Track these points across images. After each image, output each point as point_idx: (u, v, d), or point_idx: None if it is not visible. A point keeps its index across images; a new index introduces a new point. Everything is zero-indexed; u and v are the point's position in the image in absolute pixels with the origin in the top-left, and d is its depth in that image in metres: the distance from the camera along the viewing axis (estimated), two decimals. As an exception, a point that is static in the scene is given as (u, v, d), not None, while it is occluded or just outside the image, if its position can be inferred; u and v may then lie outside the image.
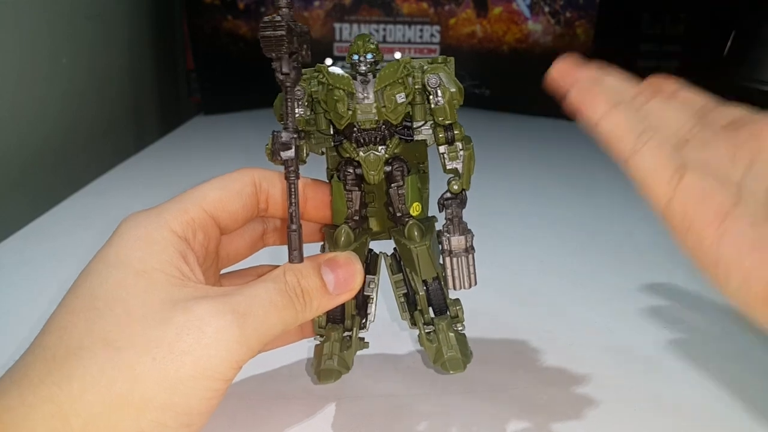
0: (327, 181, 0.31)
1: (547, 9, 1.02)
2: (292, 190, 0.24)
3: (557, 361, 0.35)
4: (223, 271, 0.31)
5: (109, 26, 0.87)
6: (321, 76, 0.27)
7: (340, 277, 0.26)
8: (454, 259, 0.28)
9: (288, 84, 0.24)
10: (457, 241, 0.28)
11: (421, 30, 1.03)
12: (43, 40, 0.70)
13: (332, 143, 0.29)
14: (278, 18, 0.22)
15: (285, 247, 0.26)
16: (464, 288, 0.28)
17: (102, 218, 0.58)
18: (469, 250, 0.28)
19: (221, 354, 0.22)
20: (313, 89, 0.28)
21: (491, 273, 0.35)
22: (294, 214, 0.24)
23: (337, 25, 1.02)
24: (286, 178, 0.24)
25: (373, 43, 0.27)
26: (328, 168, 0.31)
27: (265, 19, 0.22)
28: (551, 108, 0.32)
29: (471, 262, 0.28)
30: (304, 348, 0.35)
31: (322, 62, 0.28)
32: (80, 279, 0.25)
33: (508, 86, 1.04)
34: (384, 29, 1.03)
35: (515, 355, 0.36)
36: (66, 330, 0.23)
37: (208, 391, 0.22)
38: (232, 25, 1.00)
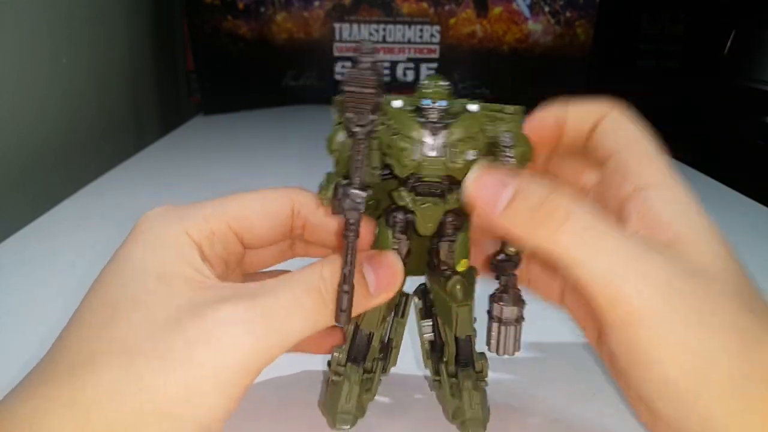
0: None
1: (547, 9, 1.02)
2: (350, 249, 0.22)
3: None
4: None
5: (109, 26, 0.87)
6: (386, 117, 0.25)
7: (381, 276, 0.24)
8: (503, 327, 0.27)
9: (361, 137, 0.21)
10: (509, 312, 0.27)
11: (421, 30, 1.03)
12: (43, 40, 0.70)
13: (380, 178, 0.27)
14: (368, 73, 0.20)
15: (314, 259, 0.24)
16: (507, 354, 0.27)
17: (102, 218, 0.58)
18: (519, 319, 0.27)
19: (234, 364, 0.22)
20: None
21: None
22: (348, 275, 0.22)
23: (337, 25, 1.02)
24: (345, 236, 0.22)
25: (446, 88, 0.25)
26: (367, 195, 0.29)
27: (353, 72, 0.20)
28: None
29: (519, 330, 0.27)
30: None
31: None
32: (101, 279, 0.24)
33: (508, 86, 1.04)
34: (384, 29, 1.03)
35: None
36: (86, 333, 0.23)
37: (225, 399, 0.22)
38: (232, 25, 1.00)
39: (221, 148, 0.84)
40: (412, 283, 0.29)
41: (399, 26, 1.03)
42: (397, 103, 0.25)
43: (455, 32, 1.03)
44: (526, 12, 1.02)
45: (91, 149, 0.81)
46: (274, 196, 0.28)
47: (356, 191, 0.22)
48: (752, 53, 0.77)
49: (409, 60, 1.04)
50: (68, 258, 0.50)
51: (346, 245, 0.22)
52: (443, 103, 0.24)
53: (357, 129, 0.21)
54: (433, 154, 0.24)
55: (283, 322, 0.23)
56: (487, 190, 0.24)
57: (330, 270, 0.24)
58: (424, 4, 1.02)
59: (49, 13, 0.71)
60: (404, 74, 1.04)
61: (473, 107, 0.25)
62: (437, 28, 1.03)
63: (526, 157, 0.25)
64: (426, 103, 0.24)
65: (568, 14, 1.01)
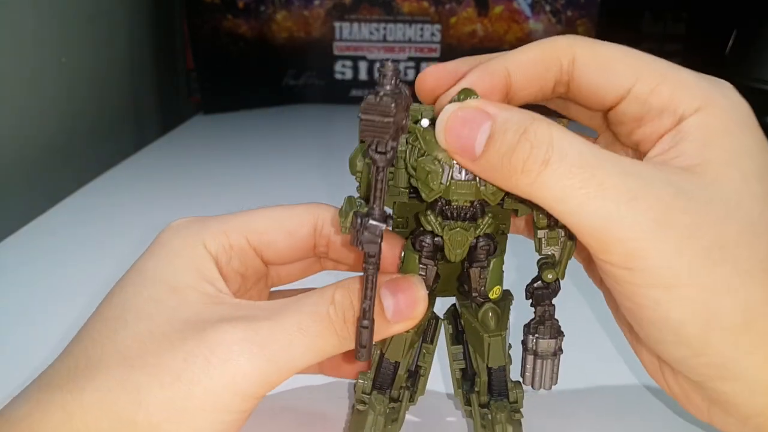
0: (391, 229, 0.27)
1: (548, 8, 1.01)
2: (369, 282, 0.21)
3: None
4: (274, 289, 0.30)
5: (109, 25, 0.87)
6: (413, 137, 0.23)
7: (400, 302, 0.23)
8: (539, 361, 0.25)
9: (381, 165, 0.20)
10: (546, 345, 0.25)
11: (422, 29, 1.03)
12: (42, 40, 0.70)
13: (407, 198, 0.25)
14: (387, 101, 0.19)
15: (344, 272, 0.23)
16: (544, 388, 0.26)
17: (102, 217, 0.58)
18: (557, 352, 0.25)
19: (229, 387, 0.21)
20: (400, 147, 0.23)
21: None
22: (368, 309, 0.21)
23: (337, 24, 1.02)
24: (364, 269, 0.21)
25: None
26: (394, 215, 0.27)
27: (371, 99, 0.19)
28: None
29: (556, 364, 0.25)
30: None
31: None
32: (117, 287, 0.24)
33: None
34: (384, 28, 1.03)
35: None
36: (92, 340, 0.22)
37: (219, 423, 0.21)
38: (232, 24, 1.00)
39: (221, 148, 0.84)
40: (443, 304, 0.28)
41: (399, 25, 1.03)
42: (425, 123, 0.23)
43: (456, 31, 1.03)
44: (527, 11, 1.02)
45: (90, 148, 0.81)
46: (296, 212, 0.27)
47: (375, 223, 0.20)
48: (754, 53, 0.77)
49: (410, 59, 1.04)
50: (68, 257, 0.50)
51: (365, 278, 0.21)
52: None
53: (377, 156, 0.19)
54: (463, 176, 0.22)
55: (285, 348, 0.22)
56: (461, 134, 0.21)
57: (342, 294, 0.22)
58: (425, 3, 1.02)
59: (48, 12, 0.71)
60: (405, 73, 1.04)
61: None
62: (438, 27, 1.03)
63: None
64: None
65: (569, 13, 1.01)
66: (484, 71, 0.24)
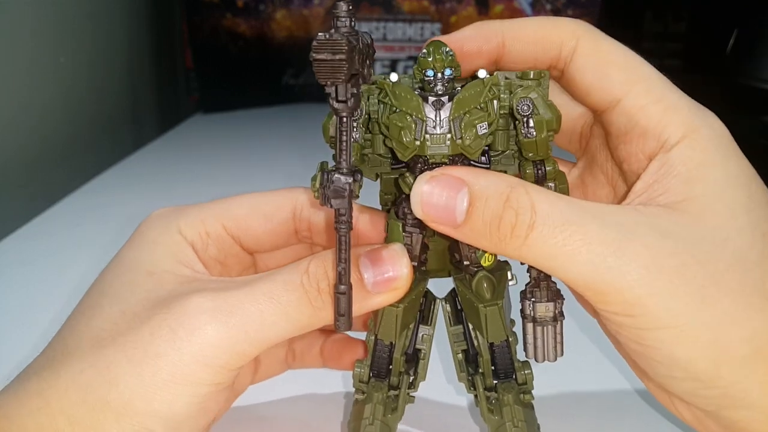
0: (379, 207, 0.26)
1: (548, 6, 1.01)
2: (343, 243, 0.19)
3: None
4: None
5: (108, 25, 0.87)
6: (383, 94, 0.22)
7: (381, 273, 0.22)
8: (539, 328, 0.23)
9: (344, 114, 0.19)
10: (544, 308, 0.23)
11: (422, 28, 1.03)
12: (41, 39, 0.70)
13: (390, 167, 0.24)
14: (337, 37, 0.17)
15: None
16: (548, 360, 0.23)
17: (101, 216, 0.58)
18: (558, 317, 0.23)
19: (198, 359, 0.20)
20: (372, 108, 0.22)
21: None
22: (343, 273, 0.20)
23: (337, 23, 1.02)
24: (336, 229, 0.19)
25: (450, 54, 0.22)
26: (381, 191, 0.26)
27: (321, 36, 0.18)
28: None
29: (559, 331, 0.23)
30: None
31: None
32: (97, 279, 0.25)
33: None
34: (384, 27, 1.02)
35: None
36: (70, 329, 0.23)
37: (192, 396, 0.21)
38: (231, 23, 0.99)
39: (220, 147, 0.84)
40: (440, 287, 0.27)
41: (399, 24, 1.02)
42: (394, 77, 0.22)
43: (456, 30, 1.03)
44: (528, 10, 1.02)
45: (90, 147, 0.81)
46: (273, 197, 0.26)
47: (341, 177, 0.19)
48: (755, 52, 0.77)
49: (410, 58, 1.03)
50: (67, 256, 0.50)
51: (337, 239, 0.19)
52: (448, 72, 0.21)
53: (338, 105, 0.18)
54: (438, 131, 0.21)
55: (254, 316, 0.21)
56: (439, 205, 0.21)
57: (316, 265, 0.22)
58: (425, 2, 1.02)
59: (46, 12, 0.71)
60: (404, 72, 1.04)
61: (481, 73, 0.22)
62: (438, 25, 1.03)
63: (550, 126, 0.22)
64: (429, 74, 0.21)
65: (570, 12, 1.01)
66: (479, 33, 0.23)
